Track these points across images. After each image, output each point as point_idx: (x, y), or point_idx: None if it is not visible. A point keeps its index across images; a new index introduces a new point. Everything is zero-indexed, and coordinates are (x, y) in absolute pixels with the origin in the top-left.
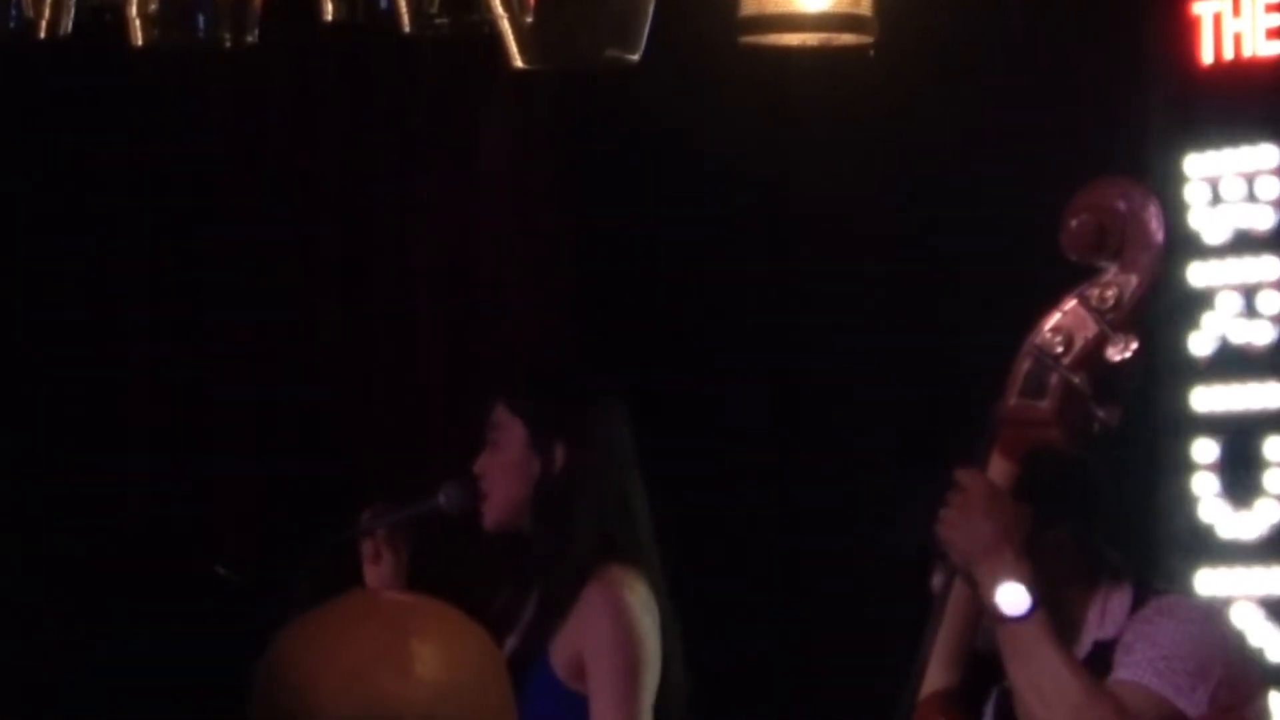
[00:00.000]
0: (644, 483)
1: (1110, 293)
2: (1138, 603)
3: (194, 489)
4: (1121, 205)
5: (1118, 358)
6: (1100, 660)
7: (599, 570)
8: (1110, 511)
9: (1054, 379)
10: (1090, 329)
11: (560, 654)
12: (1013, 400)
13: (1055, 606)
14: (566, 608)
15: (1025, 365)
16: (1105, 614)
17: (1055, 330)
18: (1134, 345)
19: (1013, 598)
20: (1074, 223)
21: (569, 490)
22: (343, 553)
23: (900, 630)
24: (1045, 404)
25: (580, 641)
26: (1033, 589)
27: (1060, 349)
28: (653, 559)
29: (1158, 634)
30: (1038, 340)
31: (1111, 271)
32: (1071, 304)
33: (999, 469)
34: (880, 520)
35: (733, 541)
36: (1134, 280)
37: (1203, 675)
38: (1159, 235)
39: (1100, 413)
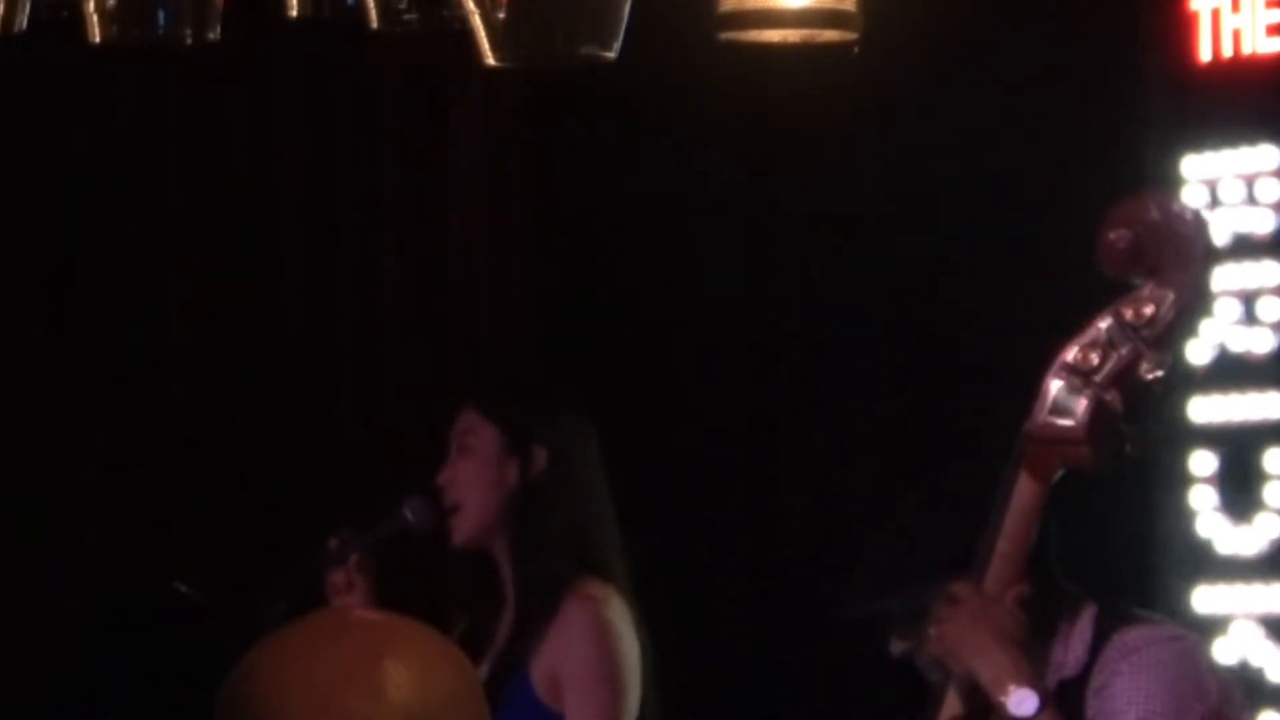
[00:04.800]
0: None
1: (1147, 310)
2: (1101, 633)
3: (152, 504)
4: (1159, 220)
5: (1151, 376)
6: (1068, 701)
7: (577, 585)
8: (1059, 536)
9: (1085, 397)
10: (1124, 346)
11: (540, 672)
12: (1041, 418)
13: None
14: (544, 624)
15: (1055, 383)
16: (1068, 649)
17: (1088, 347)
18: (1169, 363)
19: (1019, 699)
20: (1111, 236)
21: (544, 500)
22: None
23: (883, 657)
24: (1075, 423)
25: (560, 660)
26: (1039, 688)
27: (1092, 366)
28: (624, 577)
29: (1133, 689)
30: (1069, 357)
31: (1148, 288)
32: (1106, 321)
33: (1027, 489)
34: (865, 554)
35: (703, 562)
36: (1171, 297)
37: None
38: (1198, 251)
39: (1132, 432)
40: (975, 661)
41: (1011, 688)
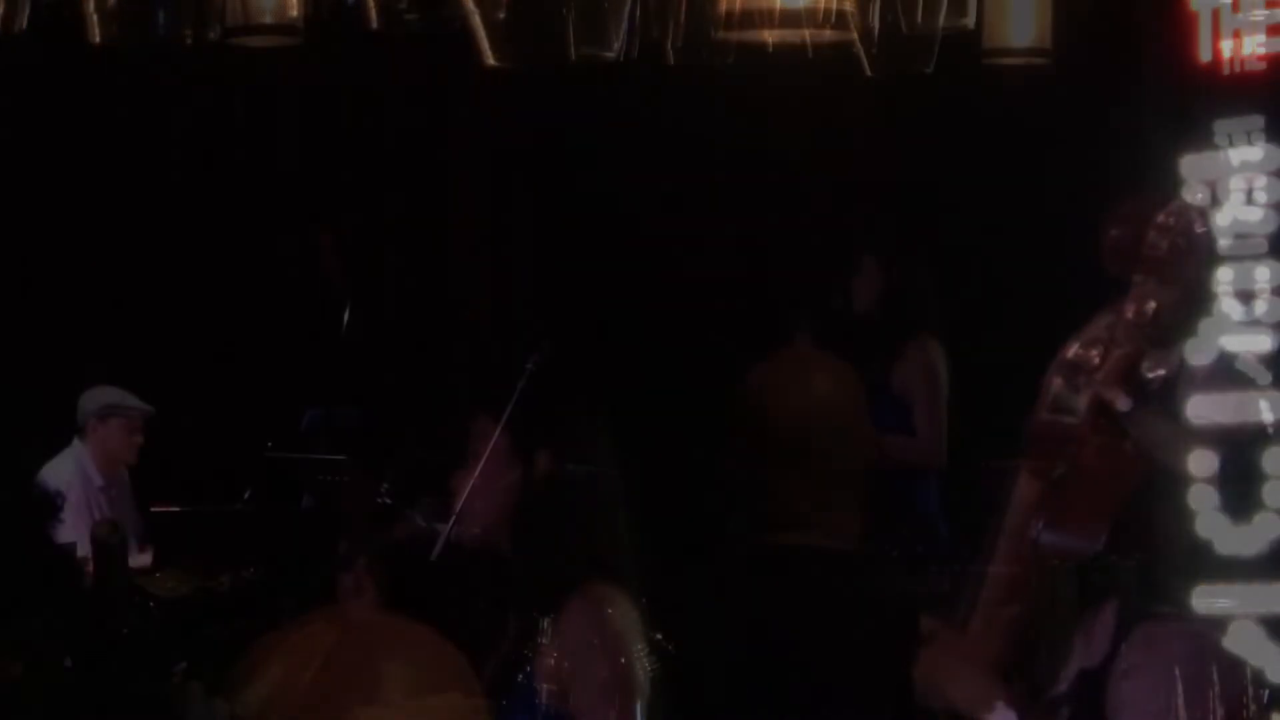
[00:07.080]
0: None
1: (1149, 307)
2: (1124, 625)
3: (151, 501)
4: (1162, 218)
5: (1153, 374)
6: (1089, 688)
7: (584, 587)
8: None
9: (1087, 395)
10: (1127, 344)
11: (546, 674)
12: (1044, 416)
13: (1045, 634)
14: (550, 626)
15: (1057, 381)
16: (1092, 639)
17: (1090, 344)
18: (1172, 361)
19: (999, 717)
20: (1114, 234)
21: (550, 502)
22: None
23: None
24: (1077, 420)
25: (567, 663)
26: (1010, 700)
27: (1094, 364)
28: (633, 579)
29: (1155, 679)
30: (1071, 355)
31: (1151, 285)
32: (1108, 318)
33: (1027, 485)
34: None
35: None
36: (1174, 295)
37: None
38: (1201, 249)
39: (1134, 429)
40: (951, 689)
41: (991, 707)
